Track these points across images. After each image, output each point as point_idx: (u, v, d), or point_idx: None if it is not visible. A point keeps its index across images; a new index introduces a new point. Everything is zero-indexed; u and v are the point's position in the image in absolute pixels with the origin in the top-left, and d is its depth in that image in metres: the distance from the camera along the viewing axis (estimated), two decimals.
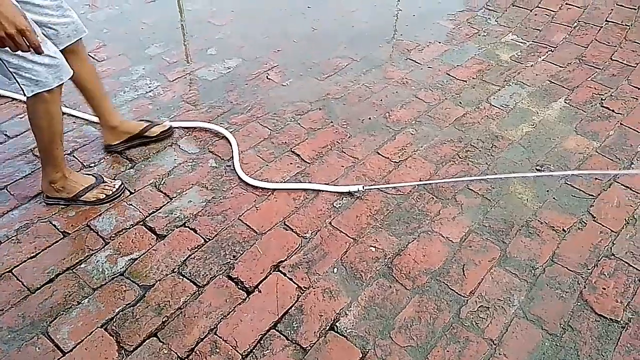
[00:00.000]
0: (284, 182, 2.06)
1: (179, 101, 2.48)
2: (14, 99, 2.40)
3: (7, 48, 1.45)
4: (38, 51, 1.49)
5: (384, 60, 2.87)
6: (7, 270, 1.69)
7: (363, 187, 1.98)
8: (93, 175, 1.99)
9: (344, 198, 2.01)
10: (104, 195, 1.93)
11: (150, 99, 2.48)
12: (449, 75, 2.76)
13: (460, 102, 2.56)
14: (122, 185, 1.99)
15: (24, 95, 1.63)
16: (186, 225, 1.88)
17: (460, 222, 1.93)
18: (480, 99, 2.59)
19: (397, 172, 2.14)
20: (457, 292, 1.69)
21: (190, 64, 2.74)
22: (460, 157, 2.23)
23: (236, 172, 2.08)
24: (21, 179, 2.01)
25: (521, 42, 3.06)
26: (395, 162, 2.19)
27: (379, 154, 2.24)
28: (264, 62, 2.80)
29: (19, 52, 1.49)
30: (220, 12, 3.23)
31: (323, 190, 2.02)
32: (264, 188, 2.02)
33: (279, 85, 2.64)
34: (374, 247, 1.83)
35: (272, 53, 2.88)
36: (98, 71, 2.59)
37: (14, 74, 1.58)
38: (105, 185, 1.95)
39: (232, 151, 2.18)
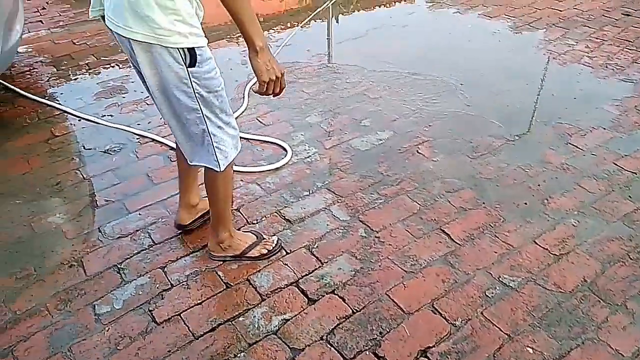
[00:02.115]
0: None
1: (333, 168, 2.61)
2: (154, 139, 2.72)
3: (216, 121, 1.64)
4: (279, 92, 1.59)
5: (542, 143, 2.76)
6: (177, 313, 1.86)
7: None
8: (252, 233, 2.15)
9: (497, 287, 1.92)
10: (267, 251, 2.06)
11: (308, 164, 2.65)
12: (615, 165, 2.57)
13: (630, 196, 2.36)
14: (279, 241, 2.12)
15: (219, 170, 1.71)
16: (335, 292, 1.93)
17: (632, 334, 1.74)
18: None
19: (557, 266, 2.00)
20: None
21: (346, 133, 2.89)
22: (631, 259, 2.03)
23: None
24: (196, 228, 2.22)
25: None
26: (555, 254, 2.06)
27: (536, 243, 2.12)
28: (414, 136, 2.86)
29: (222, 125, 1.67)
30: (375, 86, 3.39)
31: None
32: None
33: (429, 160, 2.66)
34: (532, 348, 1.70)
35: (423, 128, 2.93)
36: (265, 134, 2.90)
37: (216, 149, 1.66)
38: (265, 242, 2.10)
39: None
